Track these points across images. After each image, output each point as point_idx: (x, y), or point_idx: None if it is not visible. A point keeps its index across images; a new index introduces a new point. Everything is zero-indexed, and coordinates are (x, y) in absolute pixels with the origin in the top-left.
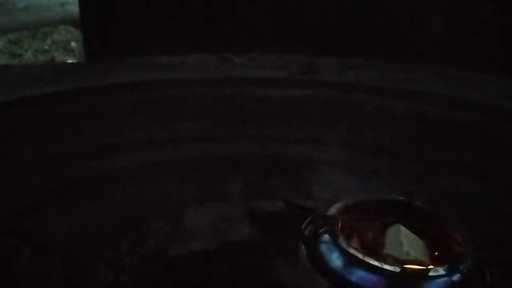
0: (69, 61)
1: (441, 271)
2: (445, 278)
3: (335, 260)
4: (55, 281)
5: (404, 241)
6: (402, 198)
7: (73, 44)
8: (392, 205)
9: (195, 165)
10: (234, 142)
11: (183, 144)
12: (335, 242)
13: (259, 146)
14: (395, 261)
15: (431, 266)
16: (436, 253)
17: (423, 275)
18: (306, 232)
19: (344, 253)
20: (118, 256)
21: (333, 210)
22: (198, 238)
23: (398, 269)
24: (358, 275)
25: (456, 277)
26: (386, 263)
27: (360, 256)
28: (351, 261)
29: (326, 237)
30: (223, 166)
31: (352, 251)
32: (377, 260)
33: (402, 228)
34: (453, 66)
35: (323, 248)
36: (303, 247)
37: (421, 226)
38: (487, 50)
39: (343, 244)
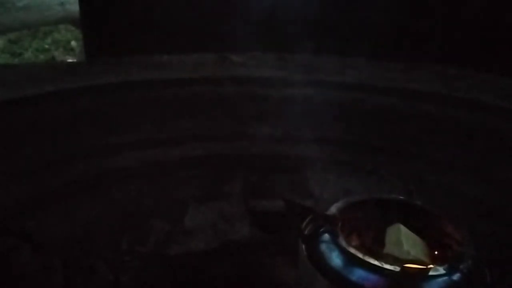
0: (69, 60)
1: (441, 270)
2: (445, 278)
3: (335, 260)
4: (55, 280)
5: (404, 240)
6: (402, 197)
7: (73, 43)
8: (392, 205)
9: (195, 164)
10: (234, 141)
11: (183, 144)
12: (335, 242)
13: (259, 146)
14: (395, 260)
15: (431, 266)
16: (436, 253)
17: (423, 275)
18: (306, 232)
19: (344, 253)
20: (118, 256)
21: (333, 209)
22: (198, 237)
23: (398, 269)
24: (358, 274)
25: (456, 276)
26: (386, 262)
27: (360, 255)
28: (351, 261)
29: (326, 236)
30: (223, 165)
31: (352, 250)
32: (377, 260)
33: (402, 227)
34: (453, 66)
35: (323, 247)
36: (303, 246)
37: (421, 226)
38: (487, 50)
39: (343, 243)
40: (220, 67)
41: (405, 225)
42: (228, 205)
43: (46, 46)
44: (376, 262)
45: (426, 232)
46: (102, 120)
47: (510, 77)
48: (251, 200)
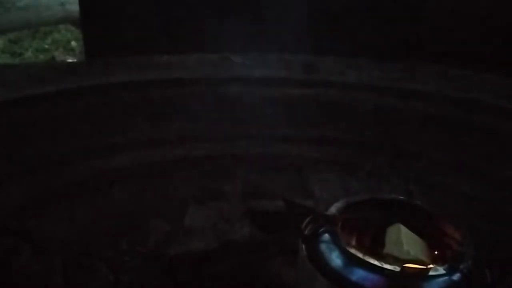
0: (69, 60)
1: (441, 270)
2: (445, 278)
3: (335, 260)
4: (55, 281)
5: (404, 240)
6: (402, 197)
7: (73, 43)
8: (392, 205)
9: (195, 164)
10: (234, 141)
11: (183, 144)
12: (335, 242)
13: (259, 146)
14: (395, 260)
15: (431, 266)
16: (436, 253)
17: (423, 275)
18: (306, 232)
19: (344, 253)
20: (118, 256)
21: (333, 209)
22: (198, 237)
23: (398, 269)
24: (358, 274)
25: (456, 276)
26: (386, 262)
27: (360, 255)
28: (351, 261)
29: (326, 236)
30: (223, 165)
31: (352, 250)
32: (377, 260)
33: (402, 227)
34: (453, 66)
35: (323, 247)
36: (303, 246)
37: (421, 226)
38: (487, 50)
39: (343, 243)
40: (220, 67)
41: (405, 225)
42: (228, 205)
43: (46, 46)
44: (376, 262)
45: (426, 232)
46: (102, 120)
47: (510, 77)
48: (251, 200)
